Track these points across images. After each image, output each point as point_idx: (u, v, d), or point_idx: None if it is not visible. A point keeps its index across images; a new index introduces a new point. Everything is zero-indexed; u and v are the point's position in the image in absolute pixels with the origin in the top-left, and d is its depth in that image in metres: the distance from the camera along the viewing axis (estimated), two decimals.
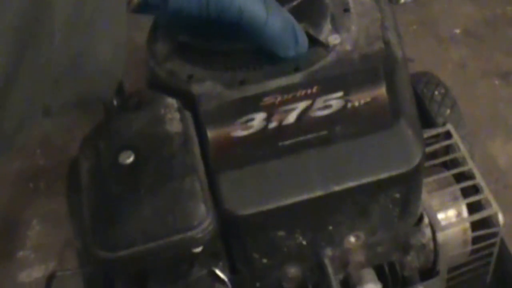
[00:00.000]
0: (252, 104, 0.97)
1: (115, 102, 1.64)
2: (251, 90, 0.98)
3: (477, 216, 1.10)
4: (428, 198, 1.09)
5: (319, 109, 0.95)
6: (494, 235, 1.11)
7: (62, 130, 2.12)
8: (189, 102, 1.00)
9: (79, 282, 1.57)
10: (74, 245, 1.49)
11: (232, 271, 1.03)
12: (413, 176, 0.96)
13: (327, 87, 0.96)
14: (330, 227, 0.99)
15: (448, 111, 1.59)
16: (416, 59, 2.11)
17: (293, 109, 0.96)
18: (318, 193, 0.92)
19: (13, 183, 2.03)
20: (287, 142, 0.95)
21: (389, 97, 0.96)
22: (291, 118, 0.95)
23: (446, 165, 1.17)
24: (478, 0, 2.34)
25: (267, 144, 0.95)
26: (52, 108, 0.75)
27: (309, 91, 0.96)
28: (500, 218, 1.09)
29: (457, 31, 2.25)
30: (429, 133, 1.20)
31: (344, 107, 0.95)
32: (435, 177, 1.13)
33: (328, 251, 1.03)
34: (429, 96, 1.60)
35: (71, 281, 1.61)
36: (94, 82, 0.79)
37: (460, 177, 1.14)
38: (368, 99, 0.95)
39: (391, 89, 0.97)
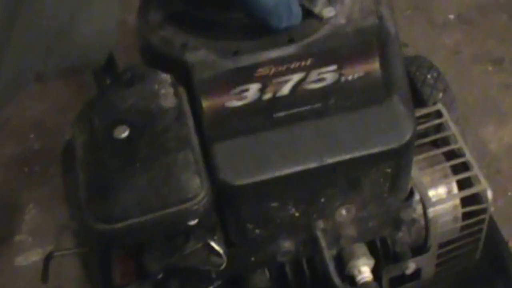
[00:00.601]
0: (246, 75, 0.98)
1: (108, 80, 1.66)
2: (246, 60, 0.98)
3: (466, 192, 1.11)
4: (419, 175, 1.11)
5: (313, 81, 0.97)
6: (483, 211, 1.12)
7: (55, 113, 2.13)
8: (182, 71, 1.01)
9: (76, 262, 1.59)
10: (70, 227, 1.49)
11: (227, 244, 1.05)
12: (403, 152, 0.97)
13: (321, 60, 0.98)
14: (323, 199, 1.01)
15: (441, 94, 1.60)
16: (410, 44, 2.13)
17: (287, 81, 0.97)
18: (311, 165, 0.94)
19: (7, 167, 2.03)
20: (281, 114, 0.96)
21: (382, 72, 0.97)
22: (285, 90, 0.97)
23: (437, 144, 1.19)
24: None
25: (261, 115, 0.96)
26: (44, 74, 0.76)
27: (303, 63, 0.98)
28: (489, 194, 1.11)
29: (451, 16, 2.25)
30: (420, 112, 1.21)
31: (338, 80, 0.96)
32: (425, 155, 1.14)
33: (321, 224, 1.04)
34: (421, 79, 1.61)
35: (68, 260, 1.63)
36: (86, 48, 0.79)
37: (450, 155, 1.16)
38: (362, 74, 0.97)
39: (384, 64, 0.98)
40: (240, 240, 1.06)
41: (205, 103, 0.98)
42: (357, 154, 0.94)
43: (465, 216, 1.14)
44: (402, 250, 1.14)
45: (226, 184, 0.94)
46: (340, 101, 0.96)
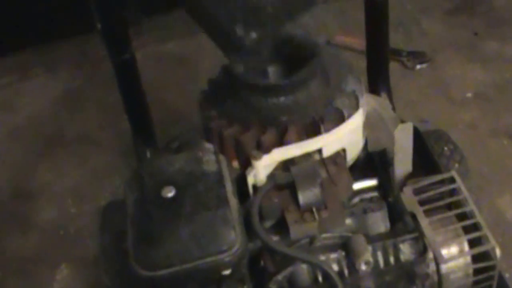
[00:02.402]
0: None
1: (148, 153, 1.80)
2: None
3: (476, 250, 1.22)
4: (433, 235, 1.22)
5: None
6: (492, 267, 1.22)
7: (92, 180, 2.24)
8: None
9: None
10: (102, 283, 1.58)
11: None
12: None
13: None
14: None
15: (456, 165, 1.70)
16: (429, 119, 2.23)
17: None
18: None
19: (44, 230, 2.12)
20: None
21: None
22: None
23: (450, 207, 1.30)
24: (488, 66, 2.45)
25: None
26: None
27: None
28: (498, 252, 1.20)
29: (469, 94, 2.35)
30: (435, 178, 1.32)
31: None
32: (439, 216, 1.25)
33: None
34: (439, 151, 1.72)
35: None
36: None
37: (462, 217, 1.26)
38: None
39: None
40: None
41: None
42: None
43: (476, 272, 1.25)
44: None
45: None
46: None
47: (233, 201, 1.13)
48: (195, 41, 2.71)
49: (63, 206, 2.19)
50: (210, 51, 2.53)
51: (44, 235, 2.12)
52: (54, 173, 2.30)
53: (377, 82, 1.73)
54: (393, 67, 2.38)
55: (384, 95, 1.71)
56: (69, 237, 2.10)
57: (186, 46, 2.75)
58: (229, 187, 1.15)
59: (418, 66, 2.48)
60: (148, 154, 1.83)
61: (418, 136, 1.44)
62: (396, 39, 2.52)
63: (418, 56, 2.52)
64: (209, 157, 1.18)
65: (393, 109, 1.44)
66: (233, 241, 1.07)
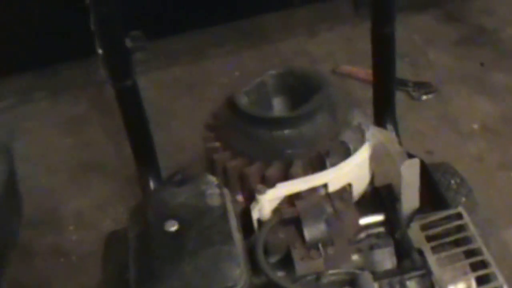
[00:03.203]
0: None
1: (151, 183, 1.78)
2: None
3: None
4: (440, 272, 1.20)
5: None
6: None
7: (95, 208, 2.23)
8: None
9: None
10: None
11: None
12: None
13: None
14: None
15: (464, 198, 1.68)
16: (436, 151, 2.22)
17: None
18: None
19: (45, 256, 2.11)
20: None
21: None
22: None
23: (457, 243, 1.28)
24: (495, 98, 2.45)
25: None
26: None
27: None
28: None
29: (475, 126, 2.35)
30: (442, 214, 1.31)
31: None
32: (447, 253, 1.23)
33: None
34: (445, 184, 1.70)
35: None
36: None
37: (470, 254, 1.24)
38: None
39: None
40: None
41: None
42: None
43: None
44: None
45: None
46: None
47: (238, 236, 1.12)
48: (202, 67, 2.79)
49: (64, 233, 2.19)
50: (217, 78, 2.63)
51: (45, 262, 2.11)
52: (56, 199, 2.30)
53: (383, 114, 1.71)
54: (399, 97, 2.39)
55: (390, 127, 1.69)
56: (70, 265, 2.09)
57: (192, 72, 2.77)
58: (233, 222, 1.13)
59: (424, 97, 2.48)
60: (152, 184, 1.81)
61: (424, 169, 1.42)
62: (402, 70, 2.50)
63: (424, 86, 2.52)
64: (213, 190, 1.17)
65: (400, 142, 1.42)
66: (238, 277, 1.05)
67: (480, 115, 2.40)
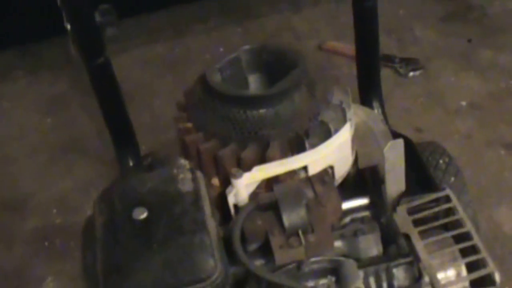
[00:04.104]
0: None
1: (130, 162, 1.72)
2: None
3: (475, 275, 1.13)
4: (428, 258, 1.14)
5: None
6: None
7: (78, 191, 2.18)
8: None
9: None
10: None
11: None
12: None
13: None
14: None
15: (452, 178, 1.63)
16: (424, 129, 2.18)
17: None
18: None
19: (28, 241, 2.07)
20: None
21: None
22: None
23: (446, 227, 1.22)
24: (483, 74, 2.41)
25: None
26: None
27: None
28: (497, 277, 1.12)
29: (463, 103, 2.31)
30: (430, 197, 1.25)
31: None
32: (435, 238, 1.17)
33: None
34: (434, 164, 1.65)
35: None
36: None
37: (459, 238, 1.18)
38: None
39: None
40: None
41: None
42: None
43: None
44: None
45: None
46: None
47: (212, 224, 1.04)
48: (185, 44, 2.76)
49: (48, 217, 2.14)
50: (200, 54, 2.60)
51: (28, 247, 2.06)
52: (38, 182, 2.25)
53: (369, 90, 1.66)
54: (386, 74, 2.38)
55: (376, 104, 1.64)
56: (54, 249, 2.04)
57: (175, 49, 2.74)
58: (207, 209, 1.06)
59: (411, 74, 2.45)
60: (131, 164, 1.75)
61: (412, 149, 1.38)
62: (388, 46, 2.50)
63: (411, 63, 2.48)
64: (184, 175, 1.09)
65: (385, 120, 1.36)
66: (212, 269, 0.98)
67: (468, 92, 2.36)
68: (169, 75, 2.58)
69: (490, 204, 1.95)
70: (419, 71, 2.45)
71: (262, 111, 1.18)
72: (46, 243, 2.05)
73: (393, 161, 1.18)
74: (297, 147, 1.18)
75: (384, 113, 1.62)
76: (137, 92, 2.43)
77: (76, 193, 2.18)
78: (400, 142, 1.17)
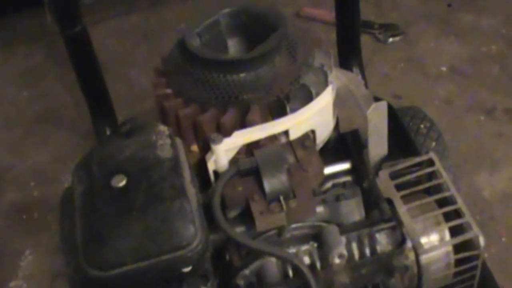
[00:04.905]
0: None
1: (108, 131, 1.70)
2: None
3: (459, 239, 1.13)
4: (411, 222, 1.12)
5: None
6: (476, 257, 1.13)
7: (55, 162, 2.16)
8: None
9: None
10: (65, 273, 1.51)
11: None
12: None
13: None
14: None
15: (433, 143, 1.63)
16: (404, 95, 2.17)
17: None
18: None
19: (6, 214, 2.05)
20: None
21: None
22: None
23: (429, 191, 1.20)
24: (464, 39, 2.39)
25: None
26: None
27: None
28: (481, 240, 1.12)
29: (444, 68, 2.29)
30: (412, 161, 1.23)
31: None
32: (418, 202, 1.16)
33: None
34: (415, 129, 1.64)
35: None
36: None
37: (442, 202, 1.17)
38: None
39: None
40: None
41: None
42: None
43: (458, 262, 1.15)
44: None
45: None
46: None
47: (191, 191, 1.02)
48: (160, 14, 2.72)
49: (25, 190, 2.12)
50: (175, 24, 2.56)
51: (6, 220, 2.05)
52: (15, 155, 2.23)
53: (348, 56, 1.64)
54: (365, 40, 2.35)
55: (356, 70, 1.62)
56: (32, 222, 2.03)
57: (150, 19, 2.71)
58: (187, 175, 1.03)
59: (391, 39, 2.42)
60: (108, 134, 1.73)
61: (393, 114, 1.35)
62: (367, 11, 2.45)
63: (390, 28, 2.45)
64: (163, 141, 1.06)
65: (366, 85, 1.34)
66: (192, 235, 0.95)
67: (448, 57, 2.34)
68: (144, 45, 2.55)
69: (470, 169, 1.96)
70: (398, 37, 2.42)
71: (242, 75, 1.15)
72: (24, 216, 2.04)
73: (376, 124, 1.16)
74: (278, 111, 1.16)
75: (364, 78, 1.60)
76: (112, 63, 2.40)
77: (53, 165, 2.16)
78: (383, 104, 1.15)
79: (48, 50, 2.57)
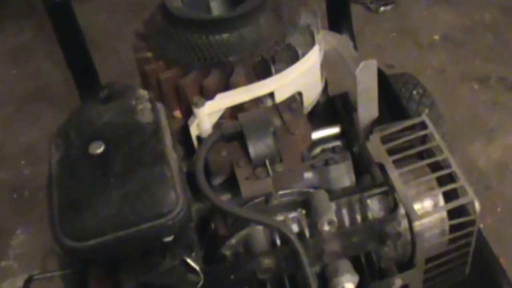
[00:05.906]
0: None
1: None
2: None
3: (453, 204, 1.08)
4: (404, 188, 1.08)
5: None
6: (471, 223, 1.09)
7: (46, 140, 2.13)
8: None
9: (57, 284, 1.57)
10: (55, 251, 1.50)
11: (205, 262, 1.02)
12: None
13: None
14: None
15: (427, 110, 1.59)
16: (397, 65, 2.15)
17: None
18: None
19: None
20: None
21: None
22: None
23: (422, 156, 1.16)
24: (457, 7, 2.37)
25: None
26: None
27: None
28: (477, 205, 1.07)
29: (436, 37, 2.28)
30: (405, 124, 1.19)
31: None
32: (410, 167, 1.11)
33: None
34: (407, 96, 1.61)
35: (49, 283, 1.61)
36: None
37: (436, 167, 1.13)
38: None
39: None
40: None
41: None
42: None
43: (453, 229, 1.11)
44: (388, 266, 1.10)
45: None
46: None
47: (173, 156, 0.97)
48: None
49: (16, 168, 2.12)
50: None
51: None
52: (5, 133, 2.23)
53: (338, 20, 1.59)
54: (356, 10, 2.31)
55: (345, 34, 1.57)
56: (23, 200, 2.03)
57: None
58: (168, 140, 0.98)
59: (382, 9, 2.39)
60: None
61: (384, 80, 1.33)
62: None
63: None
64: (143, 105, 1.01)
65: (355, 47, 1.29)
66: (173, 202, 0.90)
67: (440, 26, 2.32)
68: (134, 21, 2.49)
69: (464, 139, 1.94)
70: (390, 6, 2.40)
71: (225, 35, 1.11)
72: (15, 195, 2.04)
73: (366, 84, 1.11)
74: (263, 73, 1.11)
75: (354, 41, 1.55)
76: (102, 39, 2.39)
77: (44, 143, 2.09)
78: (373, 62, 1.11)
79: (38, 27, 2.56)
